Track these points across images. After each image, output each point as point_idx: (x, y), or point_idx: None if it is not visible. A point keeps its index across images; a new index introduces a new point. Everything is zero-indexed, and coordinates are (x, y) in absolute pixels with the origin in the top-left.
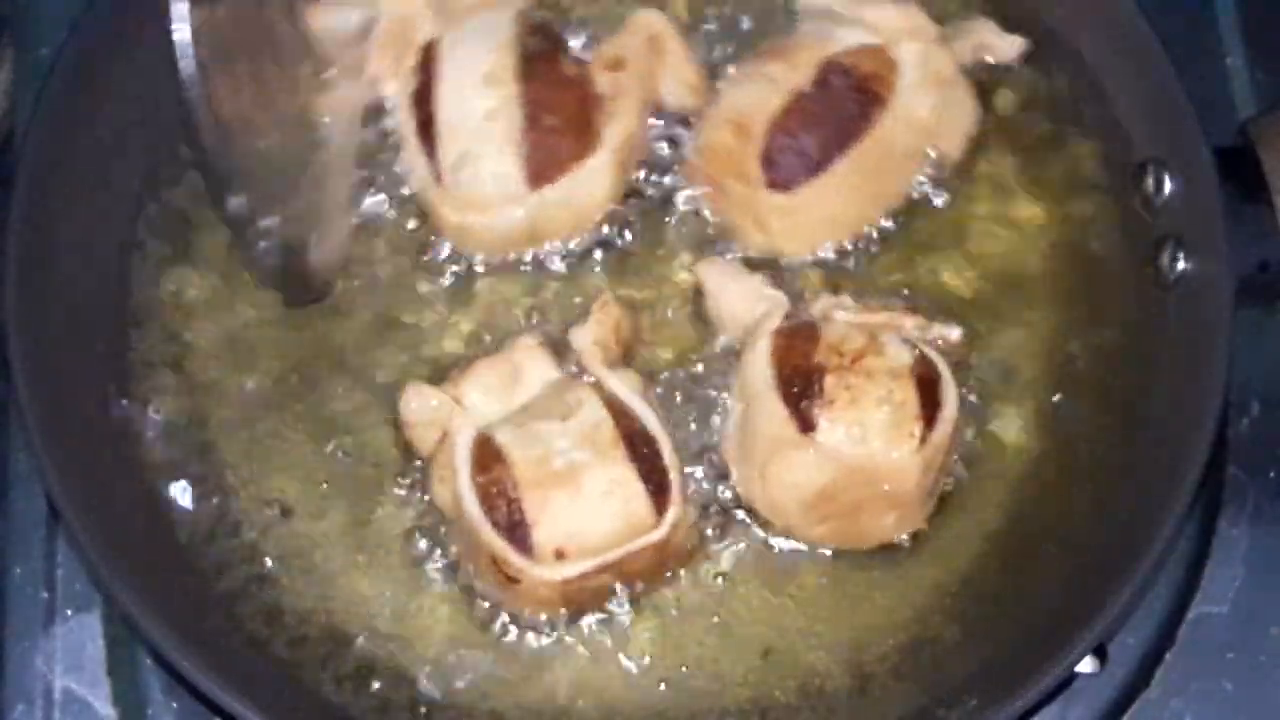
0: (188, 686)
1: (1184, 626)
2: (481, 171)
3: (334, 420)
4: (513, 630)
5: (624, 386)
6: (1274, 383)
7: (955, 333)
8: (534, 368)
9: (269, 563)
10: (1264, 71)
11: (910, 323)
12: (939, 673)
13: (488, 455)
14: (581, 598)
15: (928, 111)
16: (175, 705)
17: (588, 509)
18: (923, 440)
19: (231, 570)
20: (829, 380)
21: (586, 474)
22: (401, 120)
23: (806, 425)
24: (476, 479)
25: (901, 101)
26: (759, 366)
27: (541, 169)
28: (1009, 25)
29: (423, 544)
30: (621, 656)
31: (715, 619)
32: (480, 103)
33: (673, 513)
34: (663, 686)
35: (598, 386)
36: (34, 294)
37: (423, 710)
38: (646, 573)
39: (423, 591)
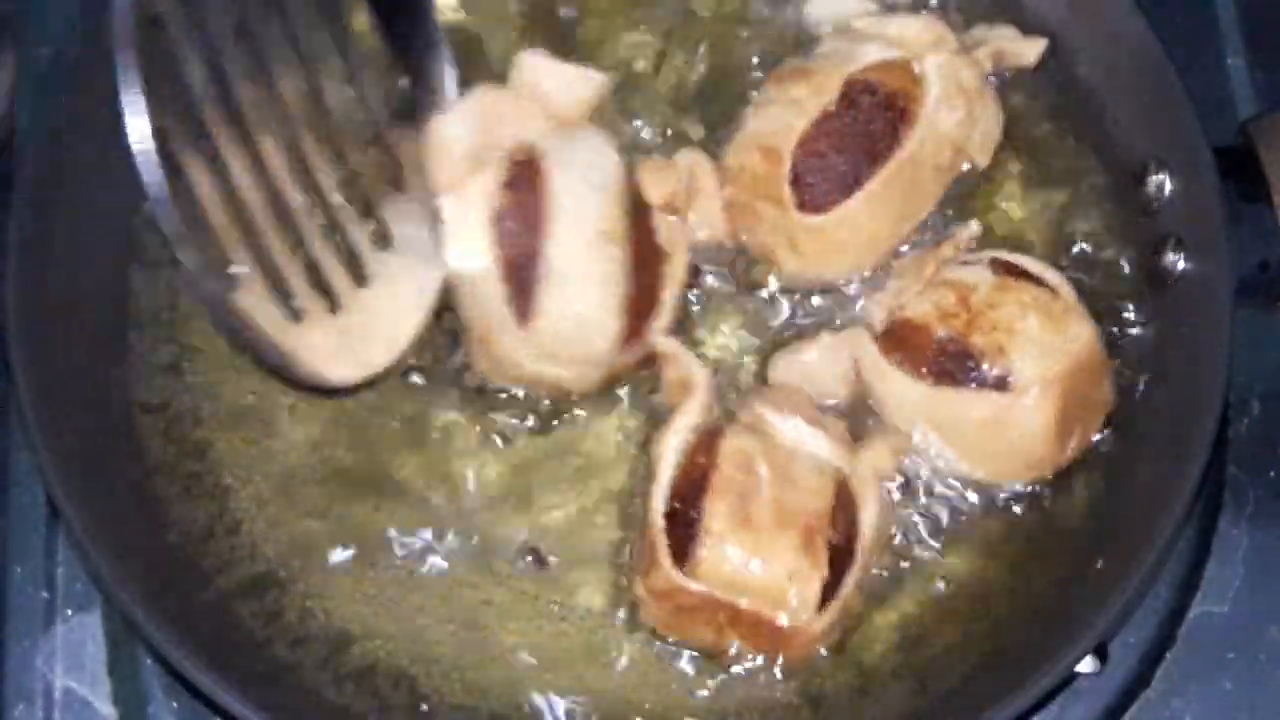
0: (188, 686)
1: (1184, 626)
2: (587, 331)
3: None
4: (512, 632)
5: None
6: (1274, 383)
7: (974, 226)
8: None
9: (269, 562)
10: (1264, 71)
11: (948, 250)
12: (939, 673)
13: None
14: (682, 620)
15: (955, 125)
16: (175, 705)
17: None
18: (1073, 306)
19: (231, 570)
20: (975, 341)
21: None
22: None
23: (1001, 385)
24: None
25: (929, 116)
26: (905, 390)
27: (630, 333)
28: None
29: (419, 543)
30: (621, 659)
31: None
32: (598, 265)
33: (826, 618)
34: (663, 687)
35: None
36: (34, 294)
37: (423, 710)
38: (753, 635)
39: (422, 591)
